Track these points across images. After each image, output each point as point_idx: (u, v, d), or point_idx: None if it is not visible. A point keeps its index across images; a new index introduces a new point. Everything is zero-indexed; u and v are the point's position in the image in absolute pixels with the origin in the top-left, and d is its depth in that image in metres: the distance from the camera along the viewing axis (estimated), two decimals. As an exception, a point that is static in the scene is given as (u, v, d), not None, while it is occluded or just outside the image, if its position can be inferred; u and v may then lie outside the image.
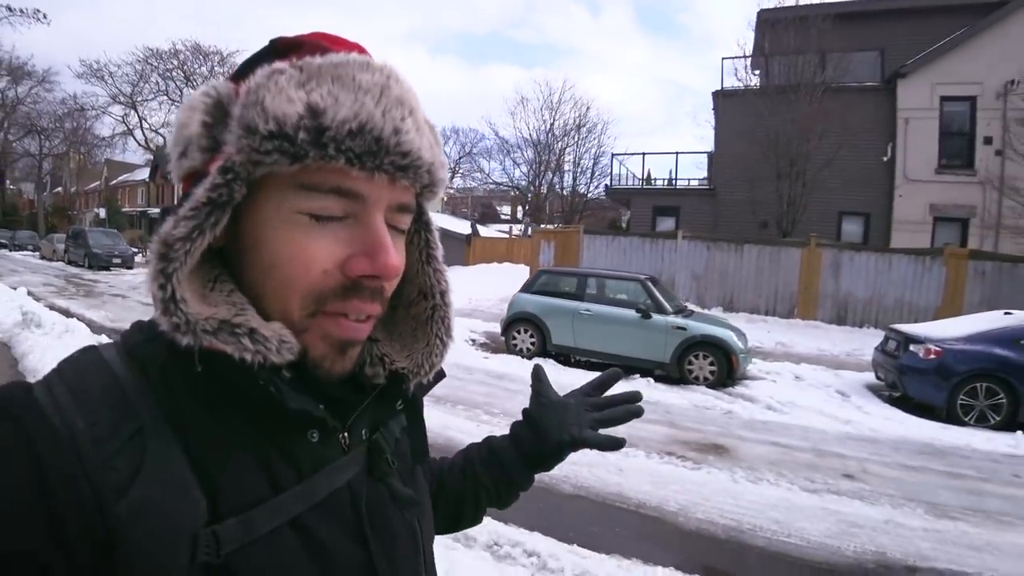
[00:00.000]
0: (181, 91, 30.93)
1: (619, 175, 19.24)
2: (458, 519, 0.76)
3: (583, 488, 3.90)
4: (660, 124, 64.17)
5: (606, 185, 19.59)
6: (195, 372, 0.41)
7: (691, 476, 4.25)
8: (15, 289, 9.79)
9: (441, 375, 0.56)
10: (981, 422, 5.96)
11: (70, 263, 21.16)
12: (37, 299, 9.90)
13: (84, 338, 6.41)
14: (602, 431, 0.73)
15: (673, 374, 7.11)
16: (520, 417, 0.76)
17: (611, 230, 15.68)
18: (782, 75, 14.32)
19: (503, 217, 41.43)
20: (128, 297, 12.68)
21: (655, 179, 18.75)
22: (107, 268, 19.71)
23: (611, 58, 77.22)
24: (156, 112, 32.95)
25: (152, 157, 35.46)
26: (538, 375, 0.78)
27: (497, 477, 0.74)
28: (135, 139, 33.64)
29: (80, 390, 0.40)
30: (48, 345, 5.92)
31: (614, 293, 7.95)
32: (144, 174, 40.23)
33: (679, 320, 7.18)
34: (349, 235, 0.43)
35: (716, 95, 15.82)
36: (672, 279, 11.87)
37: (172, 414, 0.41)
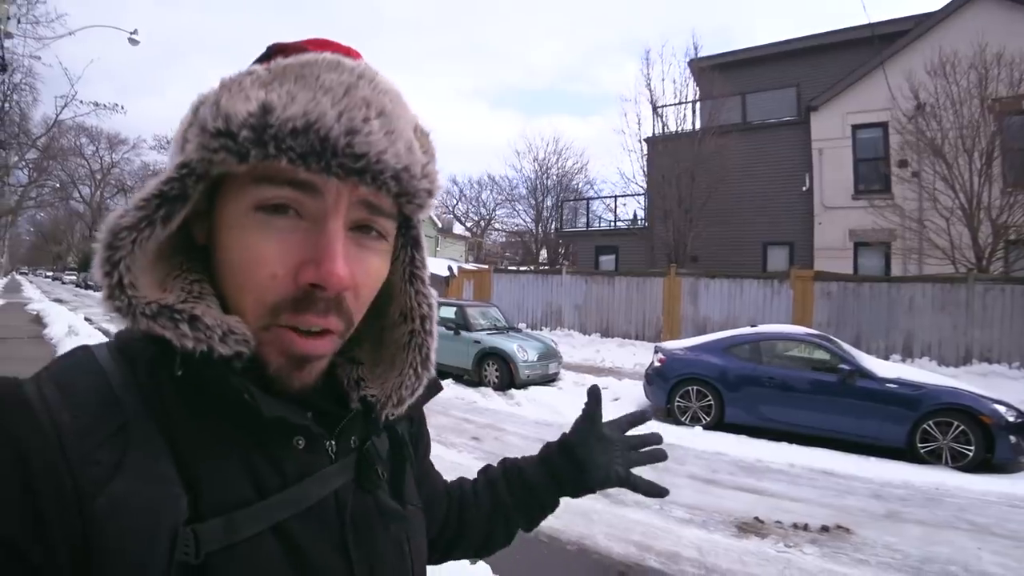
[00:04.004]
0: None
1: (568, 218, 20.71)
2: (489, 539, 0.75)
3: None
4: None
5: (556, 228, 20.98)
6: (179, 374, 0.41)
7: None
8: (74, 312, 14.44)
9: (436, 388, 0.55)
10: (696, 422, 6.75)
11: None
12: (90, 322, 13.28)
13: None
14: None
15: (474, 378, 8.62)
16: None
17: (511, 269, 17.00)
18: (707, 118, 15.26)
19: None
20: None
21: (601, 219, 19.82)
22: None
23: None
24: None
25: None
26: (596, 398, 0.74)
27: (527, 502, 0.74)
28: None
29: (67, 385, 0.41)
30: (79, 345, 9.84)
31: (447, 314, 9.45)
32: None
33: (476, 335, 8.55)
34: (303, 239, 0.41)
35: (649, 140, 16.83)
36: (559, 309, 13.32)
37: (158, 411, 0.41)
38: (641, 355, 11.10)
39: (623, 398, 8.16)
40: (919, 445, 5.78)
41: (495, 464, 0.81)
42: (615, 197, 19.24)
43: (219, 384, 0.42)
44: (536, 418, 7.00)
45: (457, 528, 0.73)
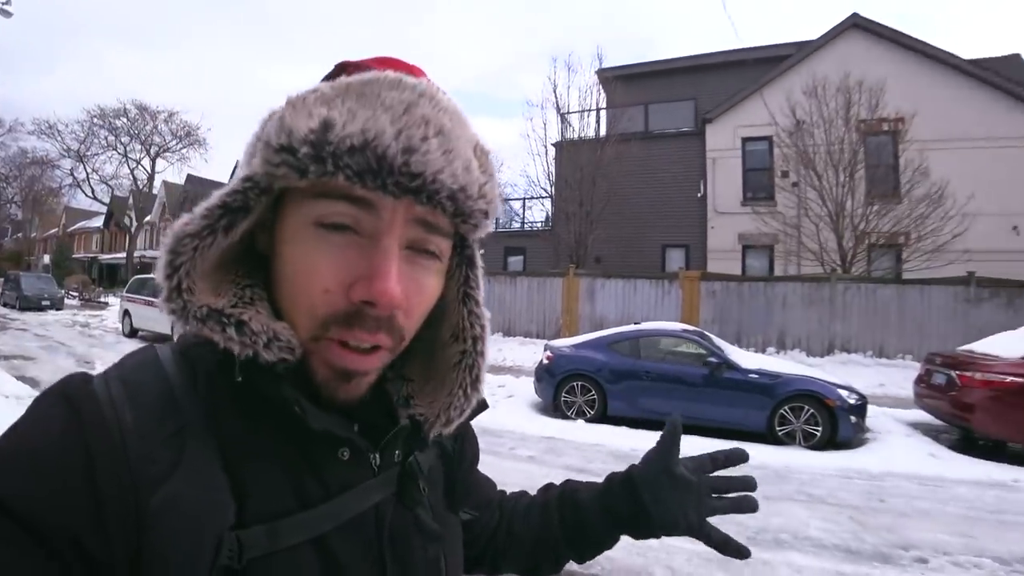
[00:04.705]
0: (126, 147, 32.86)
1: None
2: (535, 567, 0.71)
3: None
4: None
5: None
6: (237, 380, 0.42)
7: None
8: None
9: (483, 407, 0.54)
10: (581, 416, 6.99)
11: (5, 305, 22.62)
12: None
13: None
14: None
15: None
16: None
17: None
18: (610, 125, 15.90)
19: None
20: (28, 331, 14.43)
21: (512, 221, 20.12)
22: (38, 309, 21.08)
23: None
24: (106, 165, 34.76)
25: (107, 206, 37.15)
26: (675, 431, 0.65)
27: (578, 538, 0.68)
28: (83, 191, 35.37)
29: (133, 385, 0.42)
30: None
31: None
32: (100, 222, 42.02)
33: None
34: (357, 255, 0.42)
35: (556, 146, 17.26)
36: None
37: (213, 417, 0.42)
38: (542, 353, 11.34)
39: (517, 395, 8.29)
40: (777, 428, 6.31)
41: (558, 483, 0.75)
42: (522, 200, 19.54)
43: (271, 393, 0.42)
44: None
45: (506, 542, 0.70)
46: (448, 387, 0.51)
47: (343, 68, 0.48)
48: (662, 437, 0.66)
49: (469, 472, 0.67)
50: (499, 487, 0.76)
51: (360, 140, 0.39)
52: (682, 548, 3.63)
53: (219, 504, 0.40)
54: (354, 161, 0.39)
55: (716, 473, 0.66)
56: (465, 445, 0.65)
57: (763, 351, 10.45)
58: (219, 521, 0.39)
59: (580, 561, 0.70)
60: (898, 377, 9.37)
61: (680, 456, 0.66)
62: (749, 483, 0.66)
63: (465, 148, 0.43)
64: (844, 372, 9.68)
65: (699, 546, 3.15)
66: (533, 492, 0.77)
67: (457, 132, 0.43)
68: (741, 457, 0.66)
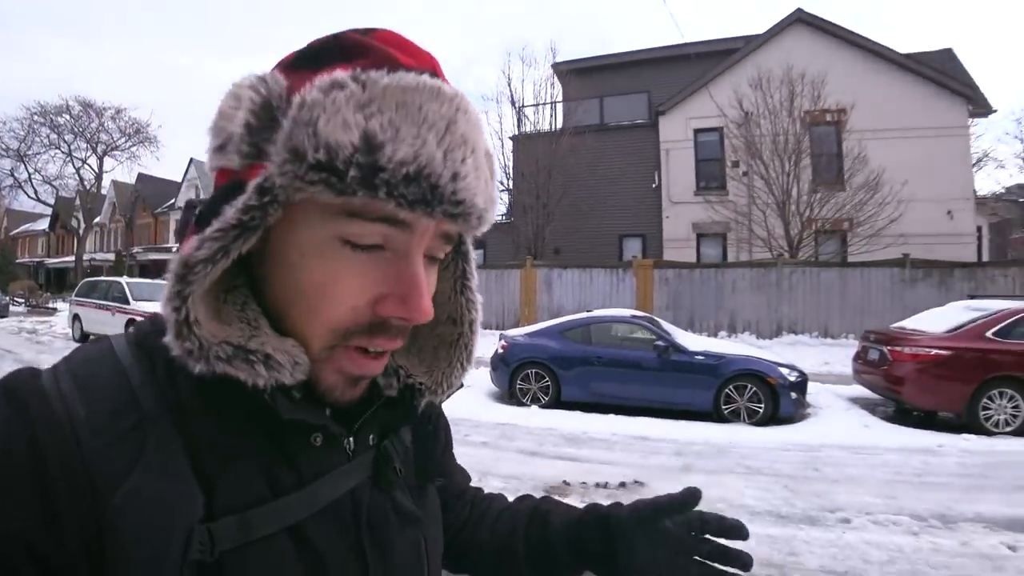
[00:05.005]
0: (70, 145, 31.45)
1: None
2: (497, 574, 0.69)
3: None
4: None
5: None
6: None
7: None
8: None
9: (459, 386, 0.54)
10: (535, 402, 7.10)
11: None
12: None
13: None
14: None
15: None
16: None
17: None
18: (567, 118, 16.08)
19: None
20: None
21: None
22: (-19, 315, 19.97)
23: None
24: (50, 164, 33.21)
25: (52, 207, 35.51)
26: (690, 500, 0.58)
27: (540, 559, 0.65)
28: (25, 193, 33.71)
29: (85, 378, 0.40)
30: None
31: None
32: (45, 224, 40.12)
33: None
34: (384, 271, 0.41)
35: (513, 139, 17.37)
36: None
37: (175, 408, 0.40)
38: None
39: (474, 385, 8.33)
40: (723, 407, 6.54)
41: (535, 496, 0.73)
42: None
43: (238, 384, 0.40)
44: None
45: (470, 543, 0.68)
46: (447, 359, 0.53)
47: (347, 46, 0.41)
48: (672, 496, 0.59)
49: (444, 457, 0.67)
50: None
51: (415, 168, 0.36)
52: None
53: (186, 496, 0.38)
54: (410, 192, 0.37)
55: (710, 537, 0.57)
56: (439, 430, 0.64)
57: (715, 335, 10.79)
58: (187, 514, 0.38)
59: None
60: (842, 355, 9.81)
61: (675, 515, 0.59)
62: (743, 561, 0.56)
63: (484, 160, 0.42)
64: (792, 352, 10.07)
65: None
66: (507, 486, 0.74)
67: (481, 145, 0.42)
68: (737, 530, 0.56)
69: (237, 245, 0.38)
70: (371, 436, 0.50)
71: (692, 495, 0.58)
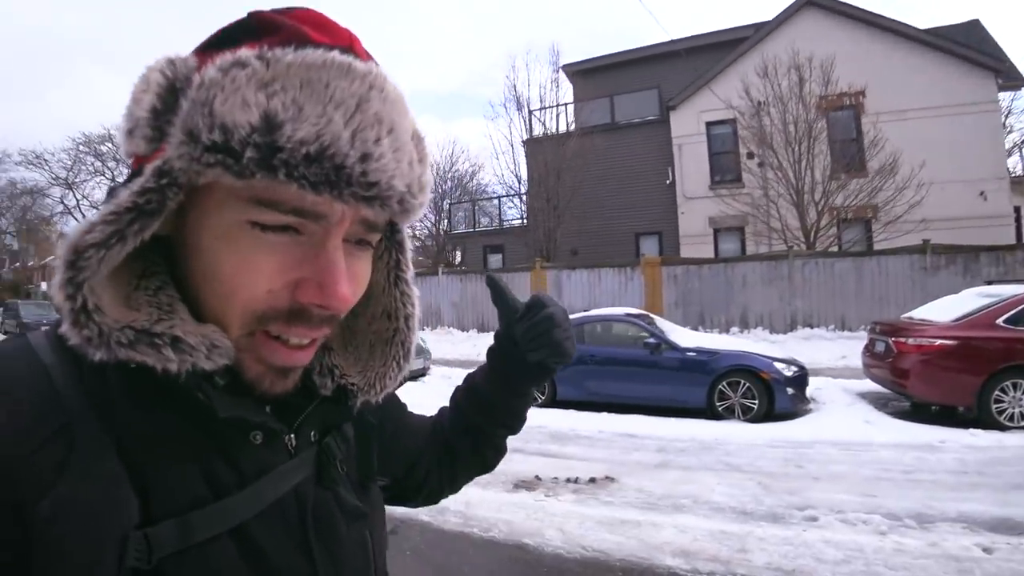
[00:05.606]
0: (113, 172, 33.22)
1: (467, 219, 21.10)
2: (483, 460, 0.76)
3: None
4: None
5: (445, 230, 21.39)
6: (128, 368, 0.38)
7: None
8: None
9: (406, 377, 0.54)
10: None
11: (5, 332, 23.10)
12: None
13: None
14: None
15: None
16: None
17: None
18: (578, 119, 16.06)
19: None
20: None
21: (492, 219, 20.41)
22: (37, 335, 21.75)
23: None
24: (96, 190, 35.15)
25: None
26: (495, 285, 0.68)
27: (488, 409, 0.72)
28: (74, 218, 35.72)
29: (2, 380, 0.38)
30: None
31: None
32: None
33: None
34: (301, 255, 0.39)
35: (526, 143, 17.42)
36: (438, 308, 13.62)
37: (104, 408, 0.38)
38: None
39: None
40: (716, 403, 6.42)
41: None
42: (499, 197, 19.75)
43: (170, 381, 0.39)
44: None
45: (450, 458, 0.73)
46: (382, 359, 0.52)
47: (258, 24, 0.40)
48: (495, 301, 0.68)
49: (395, 435, 0.66)
50: None
51: (316, 148, 0.35)
52: (574, 512, 3.79)
53: (119, 501, 0.36)
54: (311, 172, 0.35)
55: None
56: (385, 412, 0.64)
57: (727, 331, 10.57)
58: (121, 520, 0.36)
59: (511, 432, 0.75)
60: (859, 348, 9.44)
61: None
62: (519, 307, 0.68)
63: (408, 142, 0.41)
64: (808, 346, 9.76)
65: (589, 510, 3.30)
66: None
67: (403, 125, 0.40)
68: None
69: (133, 230, 0.36)
70: (313, 433, 0.49)
71: (492, 284, 0.68)
